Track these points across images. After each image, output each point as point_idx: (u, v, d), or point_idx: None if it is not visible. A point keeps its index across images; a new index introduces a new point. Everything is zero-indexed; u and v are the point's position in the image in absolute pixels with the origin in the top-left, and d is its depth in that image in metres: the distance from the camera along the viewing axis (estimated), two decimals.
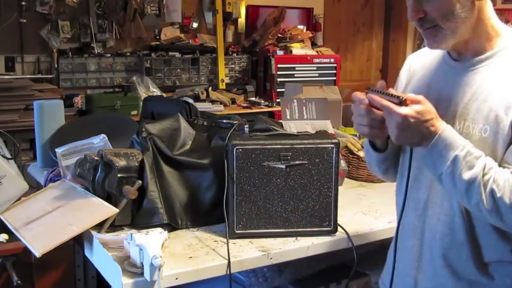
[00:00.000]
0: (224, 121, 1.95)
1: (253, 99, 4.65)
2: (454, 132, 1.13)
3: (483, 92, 1.17)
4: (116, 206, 1.63)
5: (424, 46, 1.33)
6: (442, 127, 1.12)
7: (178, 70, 4.60)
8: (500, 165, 1.13)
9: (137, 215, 1.68)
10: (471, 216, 1.18)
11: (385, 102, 1.12)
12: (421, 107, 1.10)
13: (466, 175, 1.09)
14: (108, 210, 1.62)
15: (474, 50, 1.21)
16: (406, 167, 1.27)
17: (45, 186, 1.99)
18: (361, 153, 2.28)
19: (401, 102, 1.12)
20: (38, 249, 1.53)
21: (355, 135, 2.51)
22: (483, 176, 1.09)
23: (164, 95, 4.32)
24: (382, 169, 1.43)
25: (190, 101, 3.70)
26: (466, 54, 1.22)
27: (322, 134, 1.75)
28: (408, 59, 1.44)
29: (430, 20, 1.17)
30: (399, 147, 1.36)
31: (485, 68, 1.19)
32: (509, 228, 1.13)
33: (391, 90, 1.15)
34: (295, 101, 2.42)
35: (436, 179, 1.17)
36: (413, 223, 1.31)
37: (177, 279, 1.43)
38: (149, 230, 1.49)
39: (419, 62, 1.39)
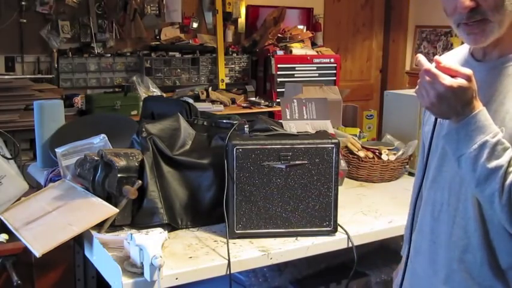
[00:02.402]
0: (224, 121, 1.95)
1: (253, 99, 4.64)
2: (489, 117, 1.08)
3: (501, 94, 1.15)
4: (116, 206, 1.63)
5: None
6: (479, 108, 1.07)
7: (178, 70, 4.60)
8: None
9: (137, 215, 1.68)
10: (486, 220, 1.16)
11: (428, 67, 1.06)
12: (466, 84, 1.05)
13: (491, 164, 1.05)
14: (108, 210, 1.62)
15: (501, 50, 1.18)
16: (421, 168, 1.26)
17: (45, 186, 1.99)
18: (361, 153, 2.28)
19: None
20: (38, 249, 1.53)
21: (355, 135, 2.51)
22: (507, 168, 1.05)
23: (164, 95, 4.32)
24: None
25: (190, 101, 3.69)
26: (492, 54, 1.20)
27: (322, 134, 1.75)
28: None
29: (480, 12, 1.11)
30: None
31: (509, 69, 1.16)
32: None
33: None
34: (295, 101, 2.42)
35: (453, 159, 1.12)
36: (429, 225, 1.29)
37: (177, 279, 1.43)
38: (149, 230, 1.49)
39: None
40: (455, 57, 1.31)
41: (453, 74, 1.05)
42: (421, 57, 1.10)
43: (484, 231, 1.17)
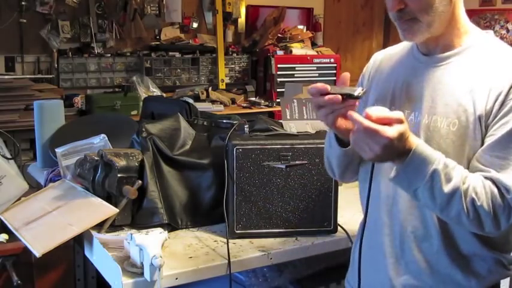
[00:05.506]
0: (224, 121, 1.95)
1: (253, 99, 4.65)
2: (426, 146, 1.12)
3: (451, 87, 1.19)
4: (116, 206, 1.63)
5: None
6: (416, 143, 1.11)
7: (178, 70, 4.60)
8: (468, 164, 1.15)
9: (137, 215, 1.68)
10: None
11: (367, 124, 1.06)
12: (403, 128, 1.08)
13: (447, 188, 1.09)
14: (108, 210, 1.62)
15: (443, 46, 1.23)
16: (369, 163, 1.24)
17: (45, 186, 1.99)
18: None
19: (358, 97, 1.14)
20: (38, 249, 1.53)
21: None
22: (462, 185, 1.10)
23: (164, 95, 4.32)
24: (341, 167, 1.36)
25: (190, 101, 3.69)
26: (435, 50, 1.25)
27: (322, 134, 1.74)
28: (374, 56, 1.45)
29: (408, 12, 1.19)
30: None
31: (453, 63, 1.22)
32: (489, 234, 1.14)
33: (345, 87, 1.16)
34: (295, 101, 2.42)
35: (410, 194, 1.15)
36: (382, 219, 1.29)
37: (177, 279, 1.43)
38: (149, 230, 1.50)
39: (386, 57, 1.40)
40: (400, 52, 1.37)
41: (387, 122, 1.07)
42: (354, 114, 1.09)
43: (441, 219, 1.19)
